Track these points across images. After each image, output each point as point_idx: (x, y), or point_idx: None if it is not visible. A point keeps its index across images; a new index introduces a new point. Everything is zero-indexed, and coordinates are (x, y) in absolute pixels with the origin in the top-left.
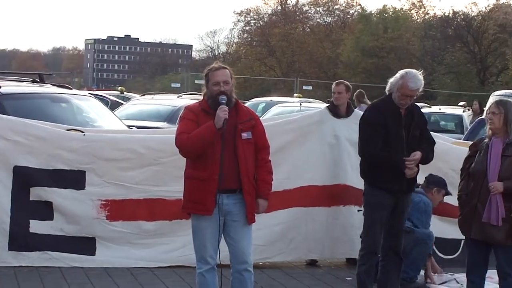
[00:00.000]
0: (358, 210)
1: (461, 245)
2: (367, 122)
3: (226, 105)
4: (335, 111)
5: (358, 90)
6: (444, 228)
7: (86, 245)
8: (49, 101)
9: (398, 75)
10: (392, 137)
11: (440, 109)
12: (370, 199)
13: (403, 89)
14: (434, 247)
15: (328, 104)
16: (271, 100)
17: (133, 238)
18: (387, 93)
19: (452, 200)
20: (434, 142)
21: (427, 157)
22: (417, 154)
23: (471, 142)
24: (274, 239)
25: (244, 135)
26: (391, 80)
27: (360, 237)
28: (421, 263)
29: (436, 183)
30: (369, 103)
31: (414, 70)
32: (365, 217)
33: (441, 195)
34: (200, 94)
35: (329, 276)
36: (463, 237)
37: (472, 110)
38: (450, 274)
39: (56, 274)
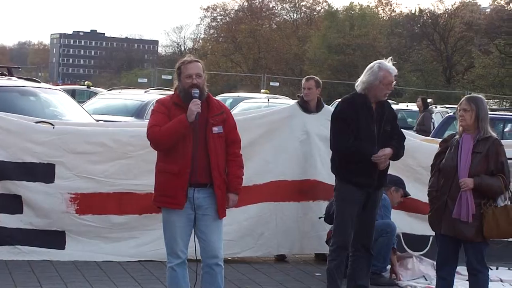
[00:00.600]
0: (320, 218)
1: (430, 241)
2: (338, 116)
3: (198, 98)
4: (305, 106)
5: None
6: (413, 224)
7: (55, 239)
8: (18, 94)
9: (373, 69)
10: (363, 132)
11: (407, 106)
12: (341, 194)
13: (386, 78)
14: (403, 243)
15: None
16: (238, 96)
17: (102, 232)
18: (359, 92)
19: (421, 196)
20: (404, 138)
21: (398, 154)
22: (387, 150)
23: (439, 139)
24: (243, 234)
25: (215, 129)
26: (365, 78)
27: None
28: (387, 254)
29: (393, 182)
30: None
31: (381, 60)
32: (336, 213)
33: (399, 195)
34: (167, 89)
35: (298, 271)
36: (432, 233)
37: (417, 106)
38: (418, 257)
39: (25, 268)
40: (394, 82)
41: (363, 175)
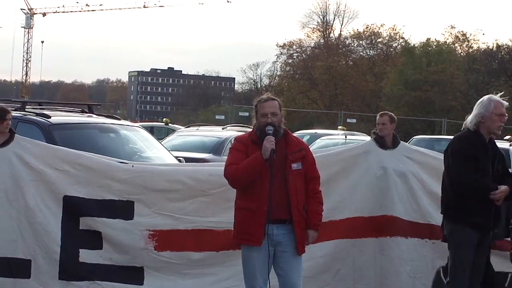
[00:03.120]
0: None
1: (508, 278)
2: (460, 153)
3: (273, 135)
4: (381, 142)
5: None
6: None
7: (134, 274)
8: (98, 131)
9: (483, 102)
10: (481, 170)
11: None
12: (457, 238)
13: (498, 109)
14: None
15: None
16: (315, 133)
17: (181, 268)
18: (469, 129)
19: None
20: None
21: None
22: (503, 187)
23: None
24: (320, 270)
25: (294, 165)
26: (476, 111)
27: (441, 276)
28: None
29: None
30: None
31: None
32: (452, 258)
33: None
34: (244, 126)
35: None
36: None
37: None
38: None
39: None
40: (506, 115)
41: (481, 215)
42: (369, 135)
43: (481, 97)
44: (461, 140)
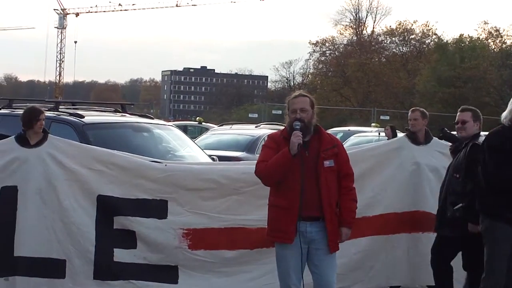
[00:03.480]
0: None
1: None
2: (497, 148)
3: (301, 131)
4: (413, 138)
5: None
6: None
7: (169, 273)
8: (131, 131)
9: None
10: None
11: None
12: (493, 234)
13: None
14: None
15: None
16: (349, 130)
17: (215, 267)
18: (504, 124)
19: None
20: None
21: None
22: None
23: None
24: (354, 267)
25: (327, 163)
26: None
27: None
28: None
29: None
30: None
31: None
32: (488, 255)
33: None
34: (278, 124)
35: None
36: None
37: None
38: None
39: None
40: None
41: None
42: (403, 132)
43: None
44: (497, 135)
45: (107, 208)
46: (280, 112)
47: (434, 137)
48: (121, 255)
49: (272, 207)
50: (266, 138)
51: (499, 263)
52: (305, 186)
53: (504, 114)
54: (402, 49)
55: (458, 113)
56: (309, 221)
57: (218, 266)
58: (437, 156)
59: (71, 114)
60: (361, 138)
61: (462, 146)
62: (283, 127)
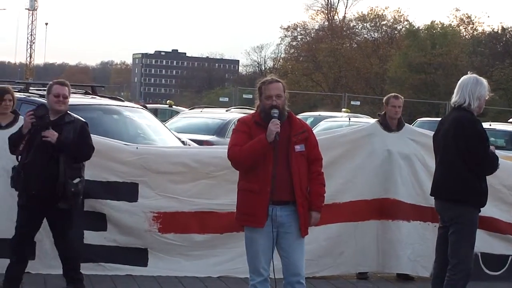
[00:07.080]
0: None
1: (508, 261)
2: (484, 136)
3: (278, 118)
4: (385, 125)
5: None
6: (493, 243)
7: (138, 256)
8: (101, 113)
9: (482, 83)
10: None
11: (490, 125)
12: (472, 219)
13: (486, 93)
14: (481, 263)
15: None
16: (319, 115)
17: (184, 250)
18: (465, 107)
19: (503, 215)
20: None
21: None
22: None
23: None
24: (323, 253)
25: (297, 147)
26: (480, 93)
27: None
28: None
29: None
30: None
31: (472, 76)
32: (465, 240)
33: None
34: (248, 108)
35: None
36: None
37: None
38: None
39: (108, 283)
40: None
41: (486, 194)
42: (373, 118)
43: (486, 80)
44: (477, 123)
45: None
46: (251, 96)
47: (406, 124)
48: (91, 237)
49: (242, 191)
50: (236, 122)
51: (472, 249)
52: (276, 170)
53: (468, 100)
54: (374, 35)
55: None
56: (279, 205)
57: (187, 249)
58: (409, 143)
59: (41, 96)
60: (332, 123)
61: None
62: (254, 111)
